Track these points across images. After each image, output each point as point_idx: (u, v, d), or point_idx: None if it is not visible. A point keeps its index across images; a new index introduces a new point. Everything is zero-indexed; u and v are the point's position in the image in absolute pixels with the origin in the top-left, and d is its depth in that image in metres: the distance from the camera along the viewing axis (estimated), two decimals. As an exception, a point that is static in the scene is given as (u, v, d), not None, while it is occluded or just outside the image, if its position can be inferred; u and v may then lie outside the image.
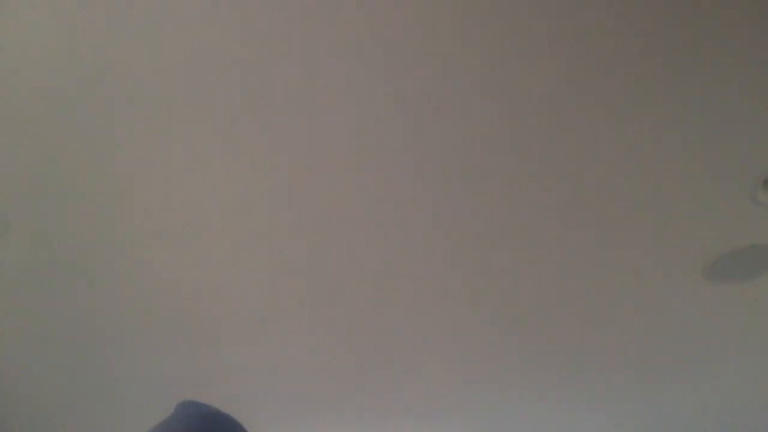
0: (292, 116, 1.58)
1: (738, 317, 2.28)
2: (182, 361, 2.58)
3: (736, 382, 2.74)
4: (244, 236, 1.94)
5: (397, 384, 2.75)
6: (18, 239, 1.93)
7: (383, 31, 1.39)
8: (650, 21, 1.36)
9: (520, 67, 1.46)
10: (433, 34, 1.39)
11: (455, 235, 1.92)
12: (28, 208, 1.82)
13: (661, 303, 2.21)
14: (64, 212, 1.84)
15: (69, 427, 3.09)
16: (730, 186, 1.75)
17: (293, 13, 1.35)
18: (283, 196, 1.80)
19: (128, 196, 1.79)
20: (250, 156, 1.68)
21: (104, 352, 2.52)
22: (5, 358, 2.56)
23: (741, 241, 1.91)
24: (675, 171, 1.71)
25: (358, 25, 1.37)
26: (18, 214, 1.84)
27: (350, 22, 1.37)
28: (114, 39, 1.40)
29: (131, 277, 2.09)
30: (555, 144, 1.64)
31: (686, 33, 1.38)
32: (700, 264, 2.01)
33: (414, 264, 2.04)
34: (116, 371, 2.65)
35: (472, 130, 1.60)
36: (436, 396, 2.86)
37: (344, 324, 2.34)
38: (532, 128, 1.60)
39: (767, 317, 2.28)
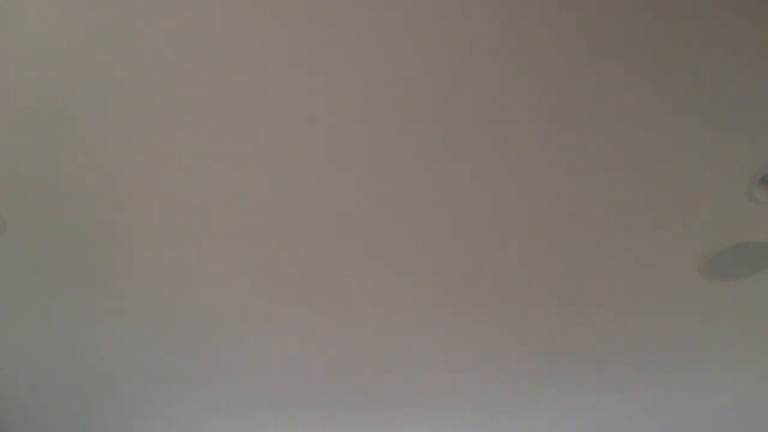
0: (292, 115, 1.58)
1: (735, 315, 2.29)
2: (181, 359, 2.58)
3: (733, 379, 2.74)
4: (245, 236, 1.94)
5: (397, 384, 2.76)
6: (15, 240, 1.93)
7: (384, 29, 1.39)
8: (647, 18, 1.36)
9: (517, 67, 1.46)
10: (443, 25, 1.39)
11: (455, 234, 1.93)
12: (25, 209, 1.82)
13: (658, 300, 2.21)
14: (61, 212, 1.84)
15: (67, 426, 3.09)
16: (728, 183, 1.75)
17: (295, 10, 1.35)
18: (283, 195, 1.80)
19: (127, 196, 1.80)
20: (251, 155, 1.68)
21: (103, 352, 2.53)
22: (4, 358, 2.56)
23: (738, 238, 1.92)
24: (672, 168, 1.71)
25: (361, 21, 1.37)
26: (15, 215, 1.84)
27: (353, 18, 1.37)
28: (113, 39, 1.40)
29: (130, 276, 2.09)
30: (551, 143, 1.64)
31: (683, 27, 1.38)
32: (697, 261, 2.02)
33: (414, 264, 2.04)
34: (114, 370, 2.65)
35: (470, 133, 1.60)
36: (436, 396, 2.86)
37: (344, 324, 2.35)
38: (528, 128, 1.60)
39: (764, 315, 2.29)
